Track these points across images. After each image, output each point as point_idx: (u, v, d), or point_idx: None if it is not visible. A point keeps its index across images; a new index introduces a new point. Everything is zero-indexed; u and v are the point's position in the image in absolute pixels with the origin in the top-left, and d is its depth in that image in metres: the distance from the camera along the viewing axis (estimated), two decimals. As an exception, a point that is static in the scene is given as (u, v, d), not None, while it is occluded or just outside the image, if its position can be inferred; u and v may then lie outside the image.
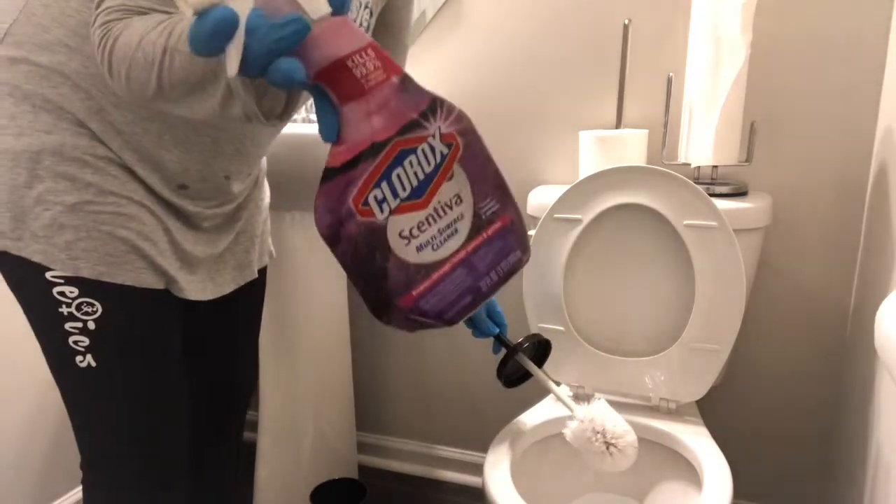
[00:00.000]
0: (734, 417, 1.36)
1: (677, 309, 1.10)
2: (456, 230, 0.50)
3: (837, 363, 1.27)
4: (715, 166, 1.17)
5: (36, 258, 0.68)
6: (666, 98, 1.19)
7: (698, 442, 1.02)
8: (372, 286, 0.49)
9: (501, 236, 0.52)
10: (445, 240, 0.50)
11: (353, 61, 0.45)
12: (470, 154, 0.50)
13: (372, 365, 1.67)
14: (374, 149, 0.46)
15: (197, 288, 0.80)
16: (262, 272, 0.96)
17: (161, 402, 0.78)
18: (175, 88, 0.55)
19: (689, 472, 1.01)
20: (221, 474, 1.02)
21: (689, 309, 1.07)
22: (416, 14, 1.39)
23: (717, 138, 1.11)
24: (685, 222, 1.04)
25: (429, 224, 0.49)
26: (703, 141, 1.12)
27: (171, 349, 0.79)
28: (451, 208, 0.50)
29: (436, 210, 0.49)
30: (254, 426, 1.51)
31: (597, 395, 0.83)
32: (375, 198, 0.47)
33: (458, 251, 0.50)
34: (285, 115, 0.62)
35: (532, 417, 1.08)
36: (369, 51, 0.45)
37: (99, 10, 0.58)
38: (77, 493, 1.45)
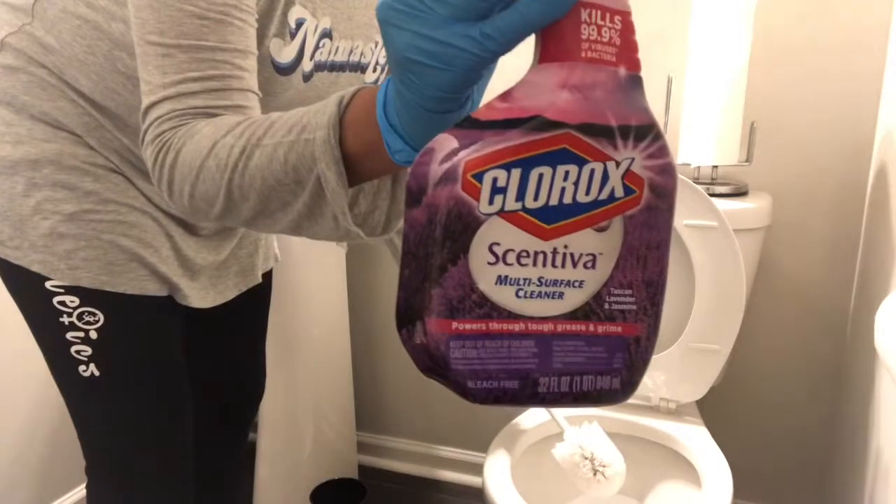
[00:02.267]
0: (734, 417, 1.36)
1: (677, 309, 1.09)
2: (561, 295, 0.35)
3: (837, 363, 1.27)
4: (715, 166, 1.17)
5: (35, 268, 0.67)
6: (666, 98, 1.18)
7: (698, 442, 1.02)
8: (414, 280, 0.34)
9: (610, 346, 0.36)
10: (540, 296, 0.34)
11: (590, 16, 0.32)
12: (646, 220, 0.35)
13: (372, 365, 1.67)
14: (537, 124, 0.32)
15: (199, 295, 0.80)
16: (268, 276, 0.96)
17: (165, 409, 0.77)
18: (247, 197, 0.46)
19: (689, 472, 1.01)
20: (229, 479, 1.02)
21: (689, 309, 1.06)
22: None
23: (717, 138, 1.11)
24: (685, 222, 1.03)
25: (534, 262, 0.34)
26: (703, 141, 1.12)
27: (175, 356, 0.78)
28: (574, 265, 0.34)
29: (554, 252, 0.34)
30: (254, 426, 1.51)
31: (593, 422, 0.84)
32: (495, 180, 0.32)
33: (544, 320, 0.35)
34: (388, 226, 0.50)
35: (532, 418, 1.08)
36: (618, 19, 0.33)
37: (147, 124, 0.51)
38: (76, 493, 1.45)
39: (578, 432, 0.84)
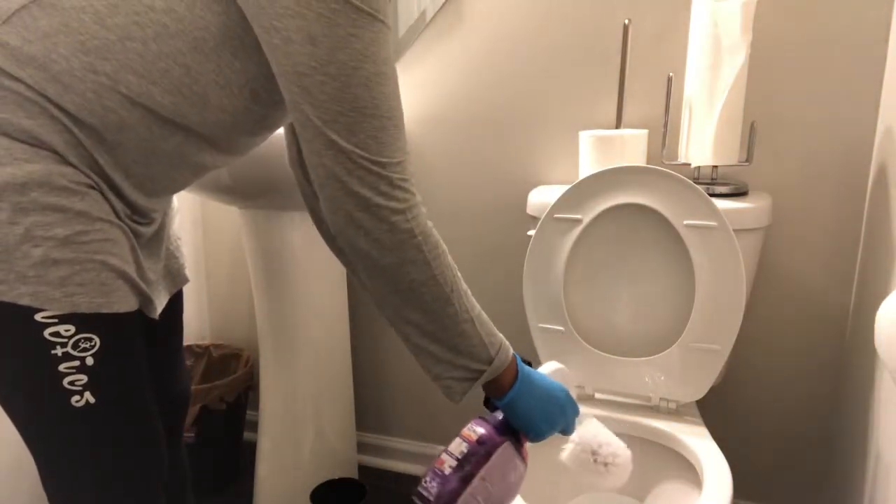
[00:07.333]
0: (734, 417, 1.36)
1: (677, 309, 1.10)
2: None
3: (837, 363, 1.27)
4: (715, 166, 1.17)
5: (24, 301, 0.62)
6: (666, 98, 1.18)
7: (698, 442, 1.02)
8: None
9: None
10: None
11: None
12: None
13: (372, 365, 1.67)
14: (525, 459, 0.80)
15: (158, 305, 0.80)
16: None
17: (154, 419, 0.76)
18: (415, 302, 0.76)
19: (689, 472, 1.01)
20: (178, 490, 1.00)
21: (689, 309, 1.07)
22: (415, 14, 1.39)
23: (717, 138, 1.11)
24: (685, 222, 1.04)
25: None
26: (703, 141, 1.12)
27: (145, 369, 0.77)
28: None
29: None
30: (254, 426, 1.51)
31: (588, 415, 0.87)
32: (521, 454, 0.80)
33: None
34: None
35: (532, 417, 1.07)
36: None
37: (406, 175, 0.68)
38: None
39: (578, 431, 0.85)
